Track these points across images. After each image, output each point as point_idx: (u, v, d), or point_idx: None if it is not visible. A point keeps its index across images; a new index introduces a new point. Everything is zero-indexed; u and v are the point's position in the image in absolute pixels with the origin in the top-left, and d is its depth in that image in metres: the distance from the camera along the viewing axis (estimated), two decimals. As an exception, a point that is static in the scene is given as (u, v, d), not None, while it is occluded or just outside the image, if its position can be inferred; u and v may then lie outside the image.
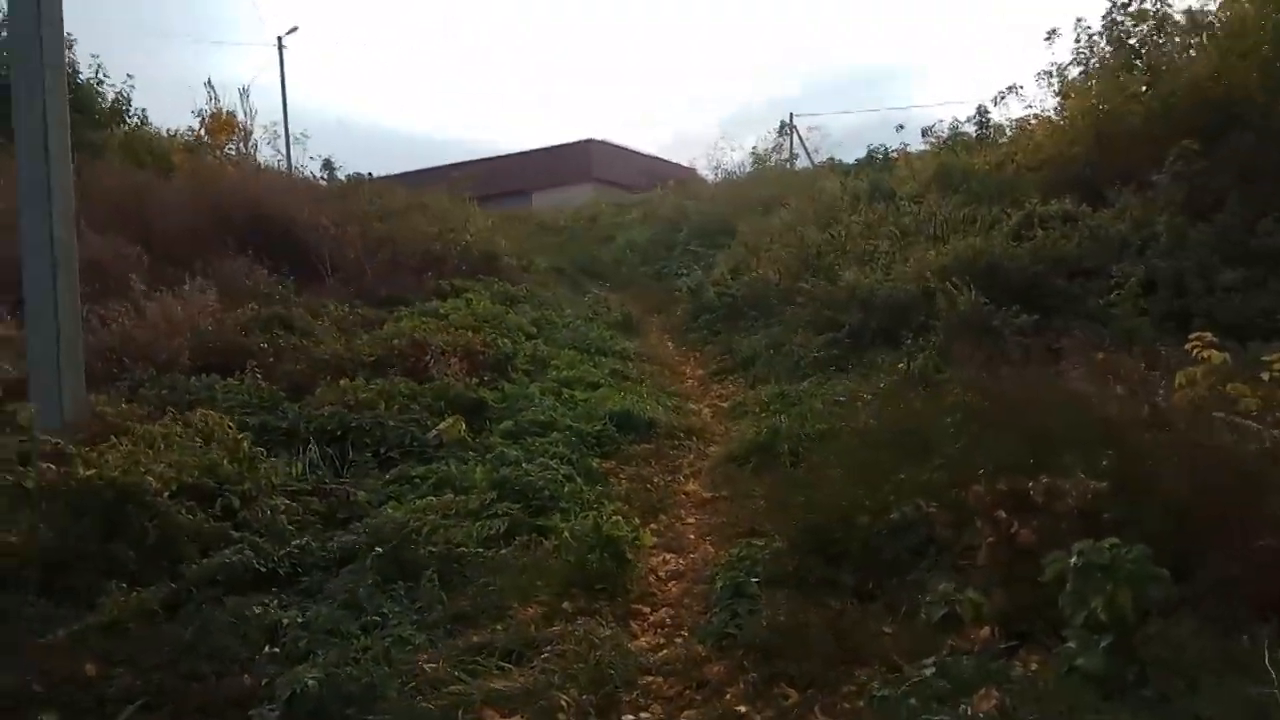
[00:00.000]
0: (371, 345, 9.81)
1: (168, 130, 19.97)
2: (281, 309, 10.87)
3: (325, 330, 10.44)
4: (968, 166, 16.52)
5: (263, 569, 5.27)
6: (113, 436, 6.28)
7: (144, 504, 5.22)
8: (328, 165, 24.62)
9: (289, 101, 33.48)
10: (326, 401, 8.08)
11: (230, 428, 6.11)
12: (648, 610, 5.44)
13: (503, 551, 5.81)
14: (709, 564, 6.01)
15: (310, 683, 3.96)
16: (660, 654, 4.87)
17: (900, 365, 9.13)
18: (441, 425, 7.97)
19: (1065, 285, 10.79)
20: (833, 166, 24.08)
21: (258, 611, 4.78)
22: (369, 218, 15.88)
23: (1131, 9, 13.60)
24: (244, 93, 21.03)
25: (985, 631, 4.12)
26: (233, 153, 20.04)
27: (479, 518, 6.24)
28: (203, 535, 5.38)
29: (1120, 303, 9.91)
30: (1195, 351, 5.87)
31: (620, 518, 5.81)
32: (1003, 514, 4.63)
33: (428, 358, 9.40)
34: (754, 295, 13.72)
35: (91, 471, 5.37)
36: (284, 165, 21.75)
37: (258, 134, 21.54)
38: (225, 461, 5.90)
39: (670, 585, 5.87)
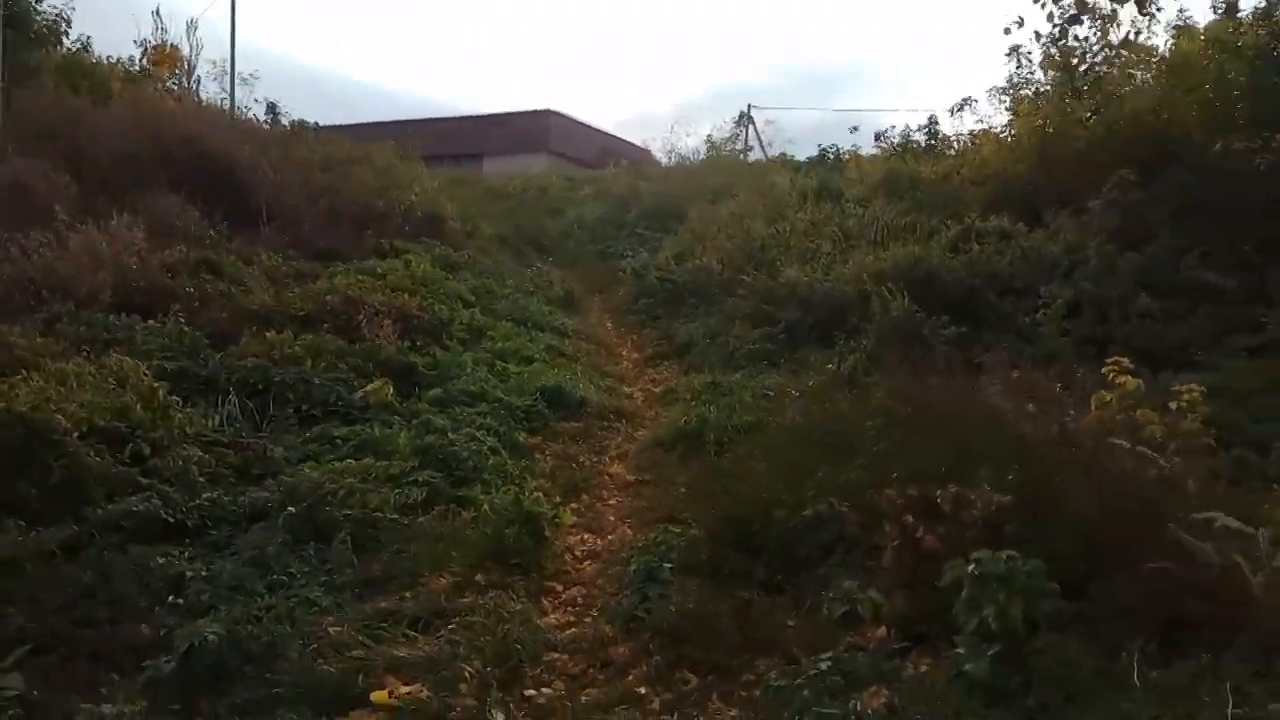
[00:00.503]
0: (303, 299, 9.64)
1: (108, 58, 19.25)
2: (212, 253, 10.62)
3: (255, 279, 10.22)
4: (915, 174, 16.82)
5: (170, 519, 5.17)
6: (23, 370, 6.08)
7: (52, 442, 5.08)
8: (272, 109, 23.82)
9: (239, 40, 32.43)
10: (250, 353, 7.93)
11: (145, 374, 5.95)
12: (560, 588, 5.49)
13: (420, 519, 5.79)
14: (626, 547, 6.08)
15: (210, 636, 3.91)
16: (568, 632, 4.93)
17: (830, 365, 9.27)
18: (369, 387, 7.89)
19: (996, 301, 11.04)
20: (785, 162, 24.26)
21: (161, 561, 4.71)
22: (311, 166, 15.51)
23: (1061, 43, 13.89)
24: (192, 25, 20.23)
25: (882, 631, 4.25)
26: (175, 87, 19.36)
27: (399, 484, 6.21)
28: (110, 480, 5.26)
29: (1046, 323, 10.19)
30: (1111, 376, 6.10)
31: (542, 494, 5.83)
32: (910, 519, 4.76)
33: (360, 317, 9.27)
34: (696, 283, 13.80)
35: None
36: (227, 104, 21.03)
37: (203, 69, 20.82)
38: (138, 406, 5.75)
39: (585, 565, 5.92)
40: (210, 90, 21.07)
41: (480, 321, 11.31)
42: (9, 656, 3.88)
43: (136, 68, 19.31)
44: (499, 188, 24.92)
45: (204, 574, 4.70)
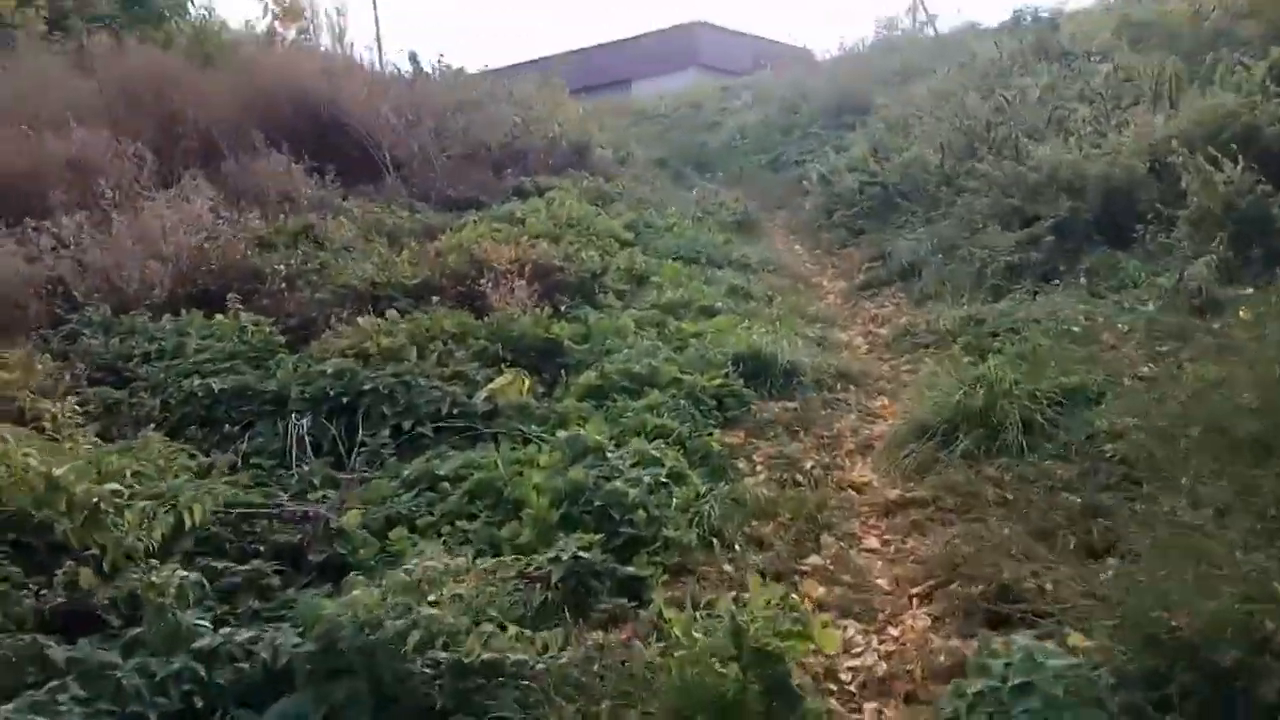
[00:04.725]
0: (414, 265, 7.06)
1: (241, 22, 17.44)
2: (316, 217, 8.23)
3: (360, 242, 7.75)
4: (1159, 17, 12.63)
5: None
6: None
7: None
8: (414, 58, 21.55)
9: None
10: (335, 351, 5.43)
11: (79, 437, 3.41)
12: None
13: (561, 656, 3.06)
14: (930, 661, 3.16)
15: None
16: None
17: (1160, 278, 5.87)
18: (495, 384, 5.22)
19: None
20: (974, 32, 19.73)
21: None
22: (443, 109, 13.04)
23: None
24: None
25: None
26: (305, 42, 17.29)
27: (528, 566, 3.52)
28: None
29: None
30: None
31: (775, 605, 2.92)
32: None
33: (484, 281, 6.61)
34: (906, 182, 10.32)
35: None
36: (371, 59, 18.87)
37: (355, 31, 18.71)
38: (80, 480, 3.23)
39: (866, 710, 3.05)
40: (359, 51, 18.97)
41: (641, 264, 8.45)
42: None
43: (263, 26, 17.38)
44: (649, 108, 21.87)
45: None
